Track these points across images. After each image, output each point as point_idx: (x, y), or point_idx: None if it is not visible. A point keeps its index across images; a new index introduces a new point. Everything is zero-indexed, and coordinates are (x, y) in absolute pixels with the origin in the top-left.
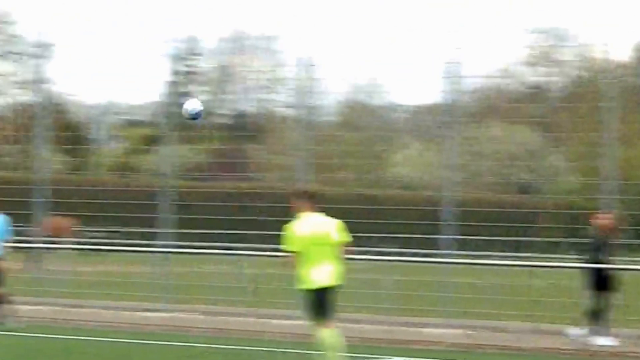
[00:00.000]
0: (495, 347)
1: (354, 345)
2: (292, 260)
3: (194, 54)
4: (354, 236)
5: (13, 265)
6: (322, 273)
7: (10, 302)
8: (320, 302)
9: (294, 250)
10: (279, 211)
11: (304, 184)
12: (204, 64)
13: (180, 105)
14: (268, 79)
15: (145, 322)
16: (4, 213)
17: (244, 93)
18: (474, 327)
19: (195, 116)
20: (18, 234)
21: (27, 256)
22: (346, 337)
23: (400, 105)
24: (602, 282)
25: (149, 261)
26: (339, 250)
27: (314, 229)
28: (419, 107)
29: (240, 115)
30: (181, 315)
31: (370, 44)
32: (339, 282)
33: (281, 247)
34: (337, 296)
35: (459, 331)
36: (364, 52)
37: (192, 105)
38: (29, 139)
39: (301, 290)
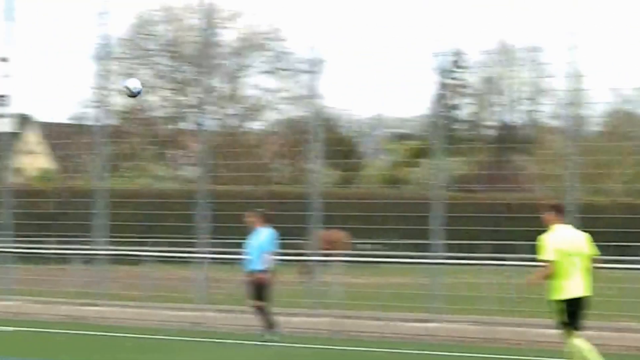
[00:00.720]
0: None
1: (620, 354)
2: (549, 270)
3: (460, 67)
4: (622, 245)
5: (277, 278)
6: (574, 284)
7: (271, 314)
8: (572, 312)
9: (550, 260)
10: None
11: (551, 198)
12: (469, 77)
13: (449, 117)
14: (534, 90)
15: (417, 332)
16: (272, 227)
17: (510, 105)
18: None
19: (135, 94)
20: (291, 246)
21: (300, 269)
22: (614, 345)
23: None
24: None
25: (420, 272)
26: (588, 262)
27: (566, 241)
28: None
29: (507, 127)
30: (452, 325)
31: (636, 51)
32: (588, 293)
33: (539, 257)
34: (594, 305)
35: None
36: (630, 61)
37: (133, 83)
38: (300, 154)
39: (553, 300)
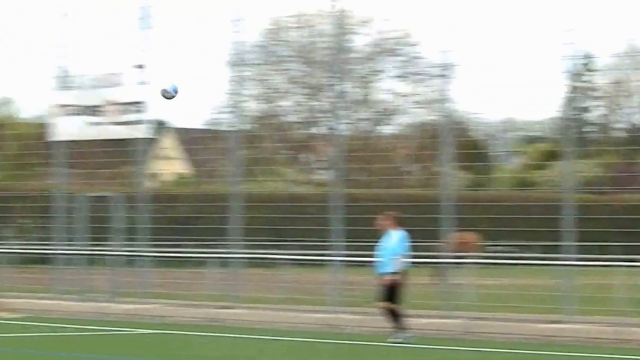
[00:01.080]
0: None
1: None
2: None
3: (590, 70)
4: None
5: (409, 280)
6: None
7: (402, 316)
8: None
9: None
10: None
11: None
12: (599, 80)
13: (579, 120)
14: None
15: (548, 333)
16: (404, 229)
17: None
18: None
19: (170, 94)
20: (423, 249)
21: (432, 271)
22: None
23: None
24: None
25: (551, 274)
26: None
27: None
28: None
29: (637, 129)
30: (584, 326)
31: None
32: None
33: None
34: None
35: None
36: None
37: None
38: (432, 157)
39: None
